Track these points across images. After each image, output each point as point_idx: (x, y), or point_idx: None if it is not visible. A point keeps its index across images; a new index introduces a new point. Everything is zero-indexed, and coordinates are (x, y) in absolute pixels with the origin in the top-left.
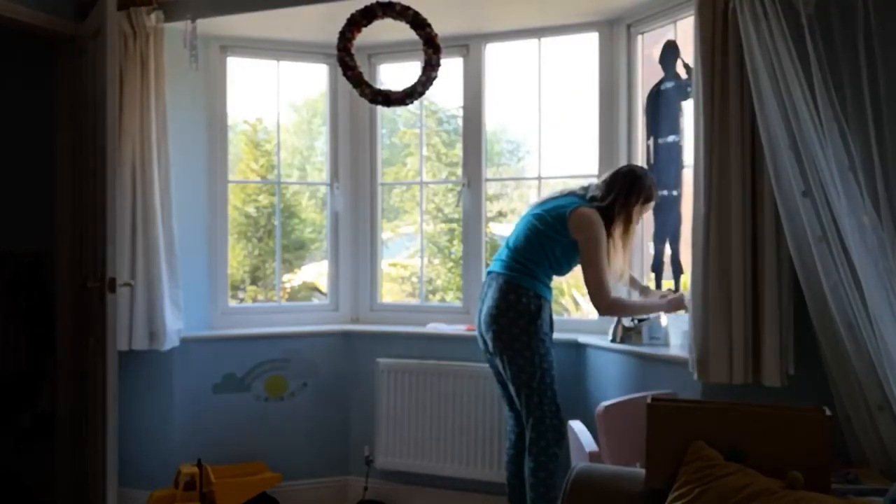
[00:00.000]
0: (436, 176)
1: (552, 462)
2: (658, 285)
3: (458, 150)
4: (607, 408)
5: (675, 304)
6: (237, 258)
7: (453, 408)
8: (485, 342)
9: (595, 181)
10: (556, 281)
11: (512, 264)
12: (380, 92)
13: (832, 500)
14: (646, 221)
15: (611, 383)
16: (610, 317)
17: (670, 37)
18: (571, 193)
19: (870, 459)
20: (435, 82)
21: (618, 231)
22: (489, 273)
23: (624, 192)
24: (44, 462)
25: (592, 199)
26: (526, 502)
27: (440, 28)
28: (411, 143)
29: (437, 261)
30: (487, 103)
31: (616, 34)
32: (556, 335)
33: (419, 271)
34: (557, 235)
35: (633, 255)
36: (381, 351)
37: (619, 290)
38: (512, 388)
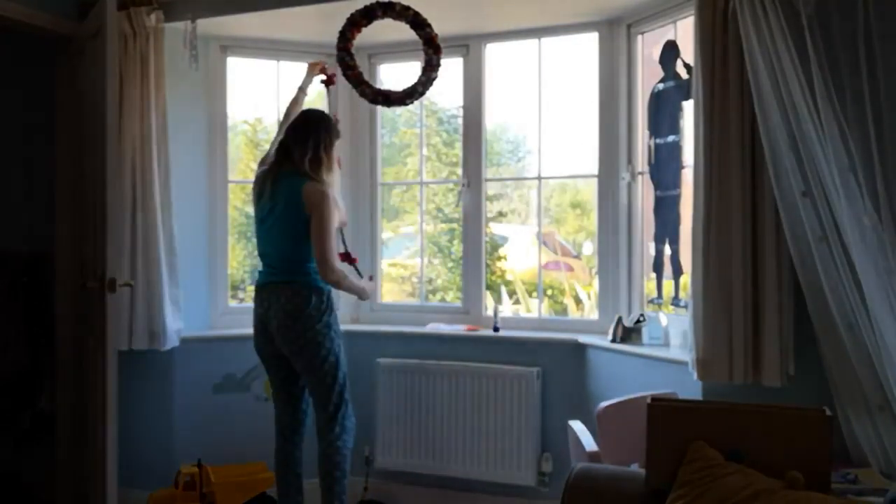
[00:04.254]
0: (436, 176)
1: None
2: (658, 285)
3: (458, 150)
4: (607, 408)
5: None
6: (237, 258)
7: (453, 408)
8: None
9: (281, 142)
10: (557, 280)
11: (286, 266)
12: (380, 92)
13: (832, 500)
14: (646, 221)
15: (611, 383)
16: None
17: (670, 37)
18: (292, 174)
19: (870, 459)
20: (435, 82)
21: (335, 178)
22: (265, 285)
23: (321, 147)
24: (44, 462)
25: (305, 171)
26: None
27: (440, 28)
28: (411, 142)
29: (437, 261)
30: (487, 103)
31: (616, 34)
32: (556, 335)
33: (419, 271)
34: (301, 220)
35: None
36: (381, 351)
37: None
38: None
